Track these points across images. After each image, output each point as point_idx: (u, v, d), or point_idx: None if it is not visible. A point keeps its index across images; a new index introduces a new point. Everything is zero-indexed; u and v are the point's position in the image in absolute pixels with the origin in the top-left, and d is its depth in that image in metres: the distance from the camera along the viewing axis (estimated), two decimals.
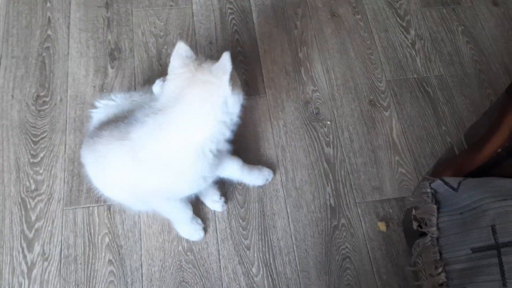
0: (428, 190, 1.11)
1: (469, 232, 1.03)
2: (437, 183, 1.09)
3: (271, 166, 1.60)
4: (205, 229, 1.48)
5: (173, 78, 1.09)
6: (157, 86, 1.54)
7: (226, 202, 1.53)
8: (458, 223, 1.05)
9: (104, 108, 1.40)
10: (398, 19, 1.95)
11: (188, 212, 1.39)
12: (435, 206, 1.09)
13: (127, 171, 1.19)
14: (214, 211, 1.51)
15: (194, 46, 1.80)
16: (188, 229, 1.45)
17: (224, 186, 1.54)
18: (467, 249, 1.03)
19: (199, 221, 1.47)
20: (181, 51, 1.08)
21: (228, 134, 1.16)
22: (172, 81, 1.09)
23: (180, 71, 1.08)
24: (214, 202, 1.51)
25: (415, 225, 1.25)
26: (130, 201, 1.37)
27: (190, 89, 1.07)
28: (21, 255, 1.42)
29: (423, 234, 1.16)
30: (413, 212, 1.28)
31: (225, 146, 1.20)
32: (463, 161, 1.23)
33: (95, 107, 1.42)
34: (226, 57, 1.02)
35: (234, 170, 1.46)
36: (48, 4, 1.85)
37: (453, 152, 1.23)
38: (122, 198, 1.37)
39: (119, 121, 1.21)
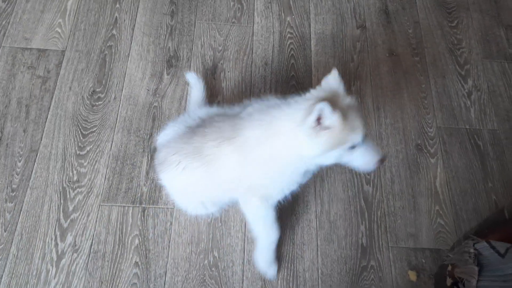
0: (472, 250, 1.07)
1: None
2: (482, 245, 1.05)
3: (307, 195, 1.59)
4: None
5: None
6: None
7: None
8: None
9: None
10: (457, 66, 1.91)
11: (276, 232, 1.36)
12: (476, 268, 1.05)
13: (232, 167, 1.18)
14: (245, 231, 1.51)
15: (250, 65, 1.83)
16: (269, 257, 1.42)
17: None
18: None
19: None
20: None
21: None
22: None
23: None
24: None
25: (449, 281, 1.21)
26: (224, 200, 1.39)
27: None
28: (53, 243, 1.45)
29: None
30: (449, 268, 1.23)
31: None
32: None
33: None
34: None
35: None
36: (117, 5, 1.92)
37: (503, 216, 1.19)
38: (215, 197, 1.39)
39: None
